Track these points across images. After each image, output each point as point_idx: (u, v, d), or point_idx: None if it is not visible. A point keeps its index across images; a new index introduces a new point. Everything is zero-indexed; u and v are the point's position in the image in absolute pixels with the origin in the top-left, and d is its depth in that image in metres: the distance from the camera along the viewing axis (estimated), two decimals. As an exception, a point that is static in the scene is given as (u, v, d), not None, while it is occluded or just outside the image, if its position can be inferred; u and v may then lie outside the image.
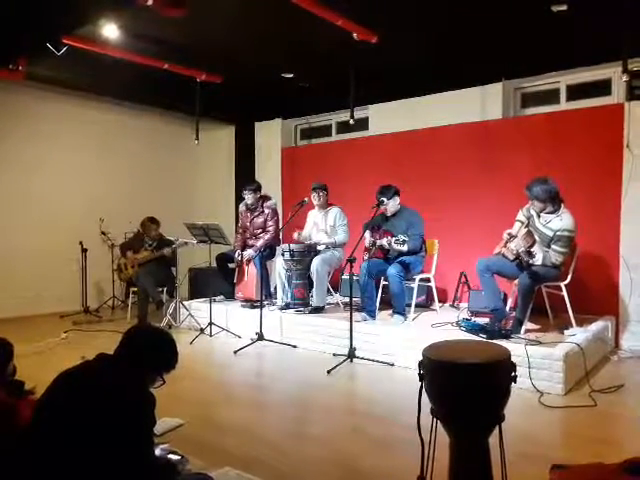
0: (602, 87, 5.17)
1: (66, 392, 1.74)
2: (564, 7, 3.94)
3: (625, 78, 3.93)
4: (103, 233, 7.04)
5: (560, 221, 3.95)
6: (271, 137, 7.47)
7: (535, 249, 3.87)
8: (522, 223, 4.19)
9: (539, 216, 4.10)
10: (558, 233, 3.93)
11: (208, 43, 4.92)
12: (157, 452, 2.15)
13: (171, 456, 2.28)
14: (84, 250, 6.67)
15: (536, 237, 3.98)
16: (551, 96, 5.51)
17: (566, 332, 4.02)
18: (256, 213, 5.70)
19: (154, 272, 5.81)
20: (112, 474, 1.62)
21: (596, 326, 4.31)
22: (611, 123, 4.77)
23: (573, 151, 4.97)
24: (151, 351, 1.89)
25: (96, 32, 4.53)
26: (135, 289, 6.01)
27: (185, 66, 5.46)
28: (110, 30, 4.50)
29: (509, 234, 4.10)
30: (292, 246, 5.10)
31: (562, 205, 4.03)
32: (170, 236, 5.88)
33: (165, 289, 5.96)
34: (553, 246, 3.95)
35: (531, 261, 3.85)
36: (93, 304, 6.82)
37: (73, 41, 4.64)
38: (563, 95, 5.42)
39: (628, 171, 4.67)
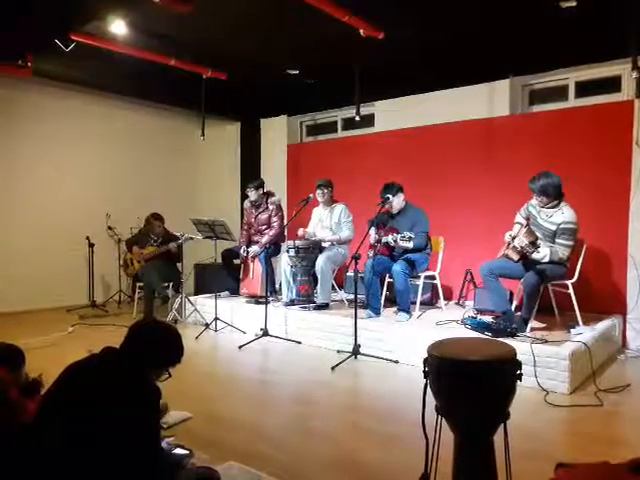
0: (611, 84, 5.13)
1: (72, 386, 1.75)
2: (573, 3, 3.91)
3: (635, 75, 3.90)
4: (110, 228, 7.08)
5: (562, 214, 3.94)
6: (276, 134, 7.46)
7: (540, 244, 3.85)
8: (521, 225, 4.17)
9: (539, 212, 4.08)
10: (562, 226, 3.92)
11: (214, 39, 4.92)
12: (162, 445, 2.15)
13: (176, 450, 2.29)
14: (91, 245, 6.71)
15: (538, 234, 3.96)
16: (559, 93, 5.46)
17: (572, 331, 4.00)
18: (260, 209, 5.71)
19: (160, 268, 5.83)
20: (118, 467, 1.63)
21: (603, 325, 4.28)
22: (620, 120, 4.72)
23: (581, 148, 4.94)
24: (157, 345, 1.90)
25: (103, 28, 4.54)
26: (141, 284, 6.03)
27: (191, 63, 5.46)
28: (117, 26, 4.51)
29: (510, 236, 4.08)
30: (297, 243, 5.10)
31: (562, 199, 4.02)
32: (176, 232, 5.90)
33: (171, 284, 5.98)
34: (558, 240, 3.94)
35: (536, 253, 3.83)
36: (100, 298, 6.87)
37: (81, 37, 4.66)
38: (572, 92, 5.37)
39: (637, 169, 4.63)
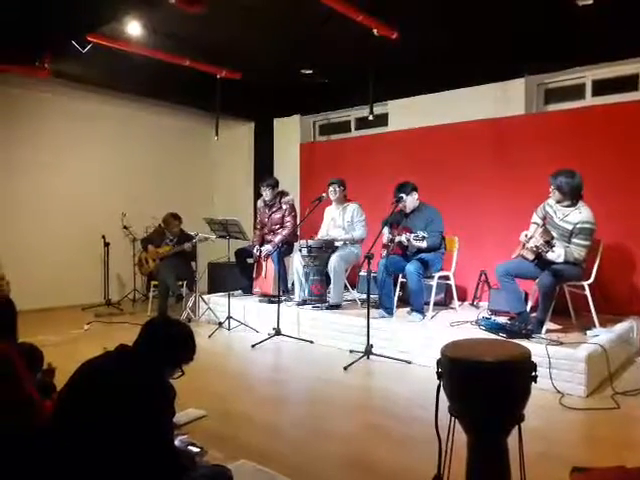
0: (629, 82, 5.05)
1: (87, 383, 1.77)
2: (590, 1, 3.86)
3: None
4: (125, 227, 7.15)
5: (579, 214, 3.89)
6: (290, 133, 7.48)
7: (555, 243, 3.81)
8: (537, 225, 4.13)
9: (555, 212, 4.04)
10: (578, 226, 3.86)
11: (228, 40, 4.95)
12: (176, 443, 2.17)
13: (190, 447, 2.31)
14: (106, 244, 6.80)
15: (555, 234, 3.92)
16: (576, 92, 5.39)
17: (589, 333, 3.94)
18: (274, 209, 5.72)
19: (174, 266, 5.88)
20: (131, 464, 1.64)
21: (620, 327, 4.21)
22: (638, 119, 4.65)
23: (599, 148, 4.87)
24: (170, 343, 1.91)
25: (119, 30, 4.60)
26: (156, 283, 6.09)
27: (205, 63, 5.50)
28: (133, 27, 4.56)
29: (526, 236, 4.04)
30: (310, 242, 5.10)
31: (580, 200, 3.97)
32: (190, 231, 5.95)
33: (185, 283, 6.03)
34: (574, 240, 3.89)
35: (550, 253, 3.78)
36: (115, 297, 6.95)
37: (97, 39, 4.72)
38: (589, 90, 5.30)
39: (655, 169, 4.56)
